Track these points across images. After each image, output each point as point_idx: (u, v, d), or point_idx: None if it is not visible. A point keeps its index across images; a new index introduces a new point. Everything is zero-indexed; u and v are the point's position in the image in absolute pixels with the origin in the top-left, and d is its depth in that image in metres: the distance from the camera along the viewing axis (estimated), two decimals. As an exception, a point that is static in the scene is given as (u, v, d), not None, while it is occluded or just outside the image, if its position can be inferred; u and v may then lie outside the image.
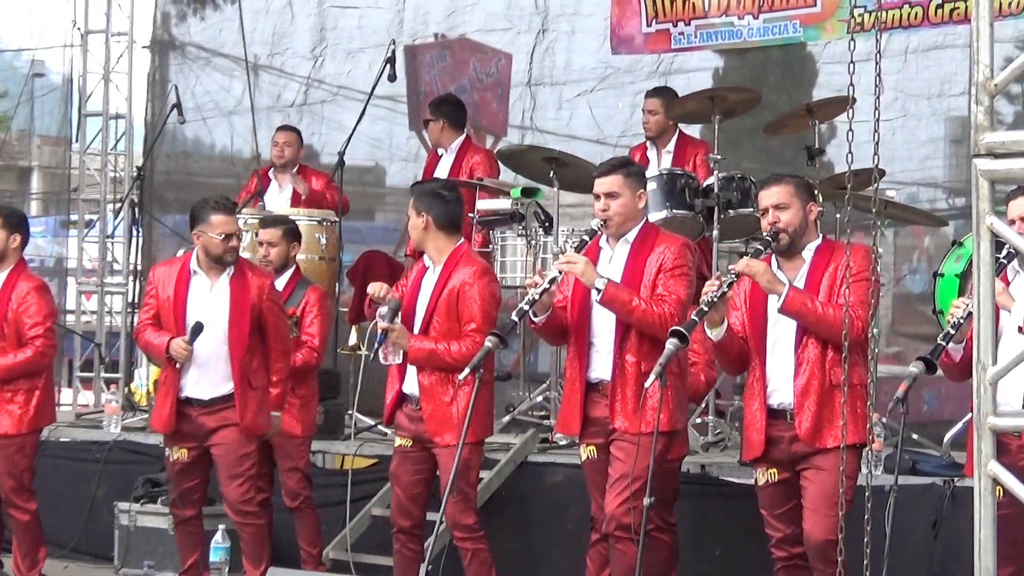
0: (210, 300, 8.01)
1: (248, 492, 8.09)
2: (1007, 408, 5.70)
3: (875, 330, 7.26)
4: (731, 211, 9.35)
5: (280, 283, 8.77)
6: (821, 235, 6.93)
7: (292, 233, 9.11)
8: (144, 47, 13.89)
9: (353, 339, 10.69)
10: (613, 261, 7.14)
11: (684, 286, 7.04)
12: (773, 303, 6.65)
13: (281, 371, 8.11)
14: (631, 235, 7.14)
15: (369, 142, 12.82)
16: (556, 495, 8.80)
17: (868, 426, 6.66)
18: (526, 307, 6.98)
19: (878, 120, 5.45)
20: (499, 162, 10.61)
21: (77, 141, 13.84)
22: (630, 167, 7.29)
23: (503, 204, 9.57)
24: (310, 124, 12.85)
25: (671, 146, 10.33)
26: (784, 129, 10.07)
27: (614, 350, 7.04)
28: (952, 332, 6.27)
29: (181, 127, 13.13)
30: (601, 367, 7.10)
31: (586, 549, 7.47)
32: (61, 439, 10.79)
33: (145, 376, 13.66)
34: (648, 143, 10.45)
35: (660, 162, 10.21)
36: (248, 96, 13.15)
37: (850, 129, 5.68)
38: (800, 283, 6.70)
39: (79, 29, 13.61)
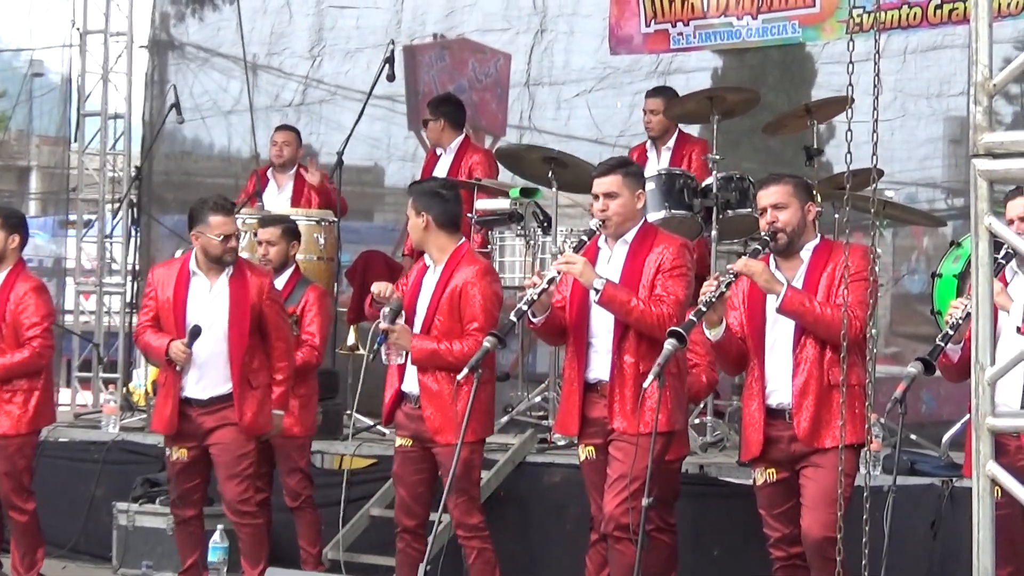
0: (209, 300, 8.01)
1: (246, 492, 8.09)
2: (1005, 409, 5.70)
3: (873, 330, 7.28)
4: (729, 211, 9.35)
5: (280, 282, 8.77)
6: (819, 235, 6.92)
7: (291, 232, 9.11)
8: (142, 47, 13.89)
9: (351, 339, 10.70)
10: (612, 261, 7.14)
11: (683, 286, 7.04)
12: (771, 303, 6.65)
13: (284, 370, 8.11)
14: (630, 235, 7.14)
15: (367, 142, 12.82)
16: (555, 495, 8.80)
17: (867, 426, 6.66)
18: (524, 307, 6.98)
19: (877, 120, 5.45)
20: (498, 162, 10.60)
21: (76, 141, 13.84)
22: (629, 167, 7.28)
23: (502, 204, 9.57)
24: (308, 124, 12.85)
25: (670, 144, 10.33)
26: (783, 129, 10.07)
27: (612, 350, 7.04)
28: (950, 333, 6.27)
29: (180, 127, 13.12)
30: (600, 367, 7.10)
31: (585, 549, 7.47)
32: (60, 439, 10.79)
33: (143, 376, 13.68)
34: (648, 143, 10.45)
35: (660, 161, 10.21)
36: (246, 96, 13.15)
37: (849, 129, 5.68)
38: (798, 283, 6.70)
39: (78, 29, 13.61)
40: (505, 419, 9.50)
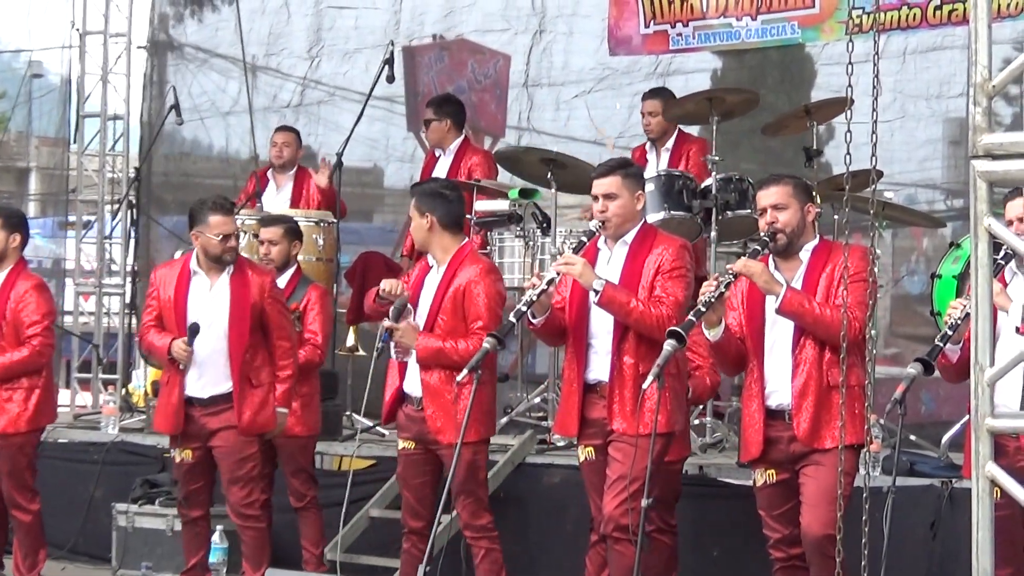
0: (210, 299, 8.03)
1: (250, 495, 8.11)
2: (1004, 410, 5.69)
3: (873, 331, 7.27)
4: (729, 212, 9.35)
5: (281, 282, 8.78)
6: (818, 236, 6.92)
7: (293, 232, 9.12)
8: (140, 47, 13.88)
9: (351, 340, 10.70)
10: (611, 262, 7.14)
11: (682, 288, 7.04)
12: (771, 304, 6.65)
13: (288, 368, 8.11)
14: (629, 236, 7.14)
15: (366, 143, 12.81)
16: (554, 496, 8.80)
17: (866, 427, 6.66)
18: (524, 308, 6.98)
19: (876, 121, 5.45)
20: (497, 163, 10.60)
21: (75, 142, 13.84)
22: (628, 168, 7.28)
23: (501, 205, 9.56)
24: (307, 125, 12.85)
25: (669, 145, 10.33)
26: (782, 130, 10.08)
27: (612, 351, 7.04)
28: (949, 333, 6.27)
29: (179, 128, 13.12)
30: (599, 368, 7.10)
31: (585, 550, 7.47)
32: (59, 440, 10.79)
33: (143, 377, 13.67)
34: (648, 144, 10.45)
35: (659, 163, 10.21)
36: (244, 96, 13.14)
37: (848, 130, 5.68)
38: (797, 284, 6.70)
39: (77, 30, 13.60)
40: (505, 420, 9.50)
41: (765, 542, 6.82)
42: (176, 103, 12.37)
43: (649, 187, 8.69)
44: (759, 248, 6.74)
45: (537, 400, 9.89)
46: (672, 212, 9.24)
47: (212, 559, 7.93)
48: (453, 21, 13.09)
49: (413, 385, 7.58)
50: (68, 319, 13.91)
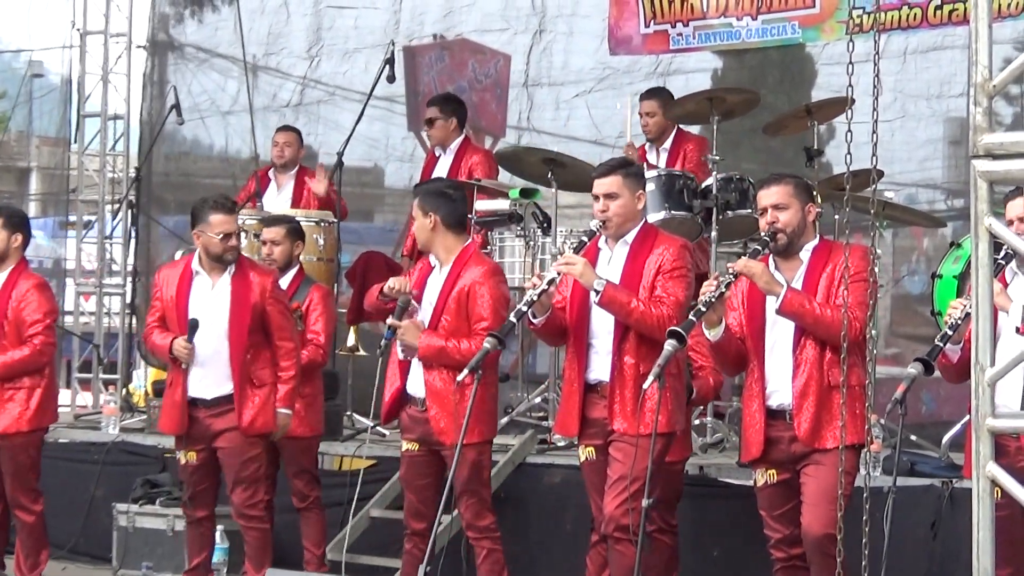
0: (211, 299, 8.04)
1: (254, 496, 8.13)
2: (1005, 409, 5.70)
3: (873, 331, 7.27)
4: (729, 212, 9.35)
5: (284, 282, 8.79)
6: (819, 236, 6.92)
7: (296, 232, 9.12)
8: (139, 47, 13.88)
9: (351, 340, 10.70)
10: (612, 262, 7.14)
11: (683, 288, 7.03)
12: (771, 304, 6.65)
13: (290, 368, 8.10)
14: (630, 236, 7.13)
15: (366, 142, 12.81)
16: (555, 496, 8.80)
17: (867, 427, 6.66)
18: (524, 308, 6.98)
19: (877, 121, 5.45)
20: (497, 163, 10.60)
21: (76, 142, 13.84)
22: (629, 168, 7.27)
23: (501, 205, 9.56)
24: (306, 124, 12.84)
25: (667, 144, 10.33)
26: (783, 130, 10.08)
27: (613, 351, 7.04)
28: (950, 333, 6.27)
29: (179, 128, 13.12)
30: (600, 368, 7.09)
31: (585, 550, 7.47)
32: (59, 440, 10.79)
33: (143, 377, 13.68)
34: (648, 144, 10.45)
35: (659, 162, 10.22)
36: (243, 96, 13.14)
37: (849, 130, 5.68)
38: (798, 284, 6.69)
39: (78, 30, 13.61)
40: (505, 420, 9.49)
41: (766, 542, 6.82)
42: (177, 103, 12.38)
43: (650, 187, 8.68)
44: (759, 248, 6.74)
45: (538, 400, 9.88)
46: (673, 212, 9.24)
47: (214, 559, 7.94)
48: (453, 21, 13.10)
49: (416, 386, 7.57)
50: (69, 319, 13.90)
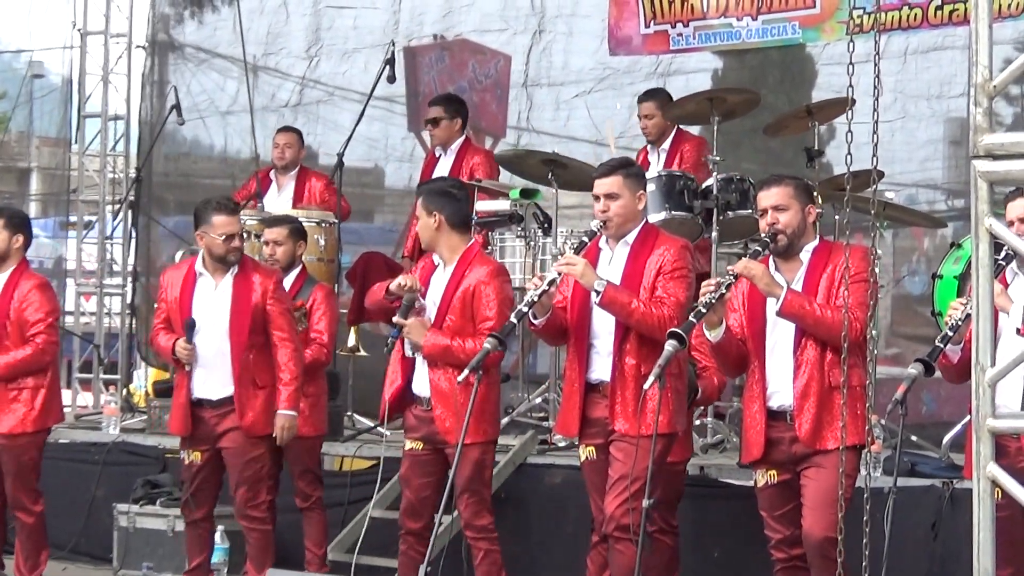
0: (213, 300, 8.05)
1: (256, 496, 8.14)
2: (1006, 410, 5.70)
3: (874, 332, 7.27)
4: (730, 213, 9.35)
5: (287, 282, 8.79)
6: (819, 236, 6.93)
7: (298, 232, 9.13)
8: (138, 47, 13.88)
9: (352, 341, 10.71)
10: (613, 263, 7.14)
11: (683, 288, 7.03)
12: (772, 305, 6.65)
13: (292, 369, 8.08)
14: (631, 237, 7.13)
15: (365, 143, 12.79)
16: (555, 496, 8.80)
17: (867, 427, 6.66)
18: (525, 309, 6.98)
19: (877, 121, 5.45)
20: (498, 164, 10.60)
21: (76, 142, 13.84)
22: (630, 168, 7.28)
23: (502, 205, 9.56)
24: (305, 124, 12.81)
25: (667, 145, 10.33)
26: (784, 130, 10.08)
27: (614, 352, 7.04)
28: (950, 334, 6.28)
29: (179, 128, 13.12)
30: (601, 368, 7.09)
31: (586, 550, 7.47)
32: (60, 440, 10.78)
33: (144, 377, 13.68)
34: (648, 145, 10.44)
35: (659, 163, 10.21)
36: (242, 96, 13.13)
37: (849, 130, 5.68)
38: (798, 285, 6.69)
39: (78, 30, 13.60)
40: (506, 420, 9.49)
41: (766, 543, 6.82)
42: (177, 103, 12.38)
43: (650, 187, 8.69)
44: (760, 249, 6.74)
45: (538, 400, 9.89)
46: (673, 212, 9.24)
47: (213, 559, 7.94)
48: (452, 21, 13.09)
49: (421, 386, 7.57)
50: (69, 319, 13.90)
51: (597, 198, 7.14)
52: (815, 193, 7.22)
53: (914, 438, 8.86)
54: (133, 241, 13.03)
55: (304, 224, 9.58)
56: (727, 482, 8.52)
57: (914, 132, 11.25)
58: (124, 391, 12.19)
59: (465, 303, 7.49)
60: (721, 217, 9.32)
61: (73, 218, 13.98)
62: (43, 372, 8.74)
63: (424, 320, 7.50)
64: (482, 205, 9.64)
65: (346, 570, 8.66)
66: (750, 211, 9.13)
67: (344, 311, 10.51)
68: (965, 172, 10.32)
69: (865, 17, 10.48)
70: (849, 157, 5.69)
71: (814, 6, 11.00)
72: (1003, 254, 6.28)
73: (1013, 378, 5.81)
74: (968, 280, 5.65)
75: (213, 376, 8.02)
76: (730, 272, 6.66)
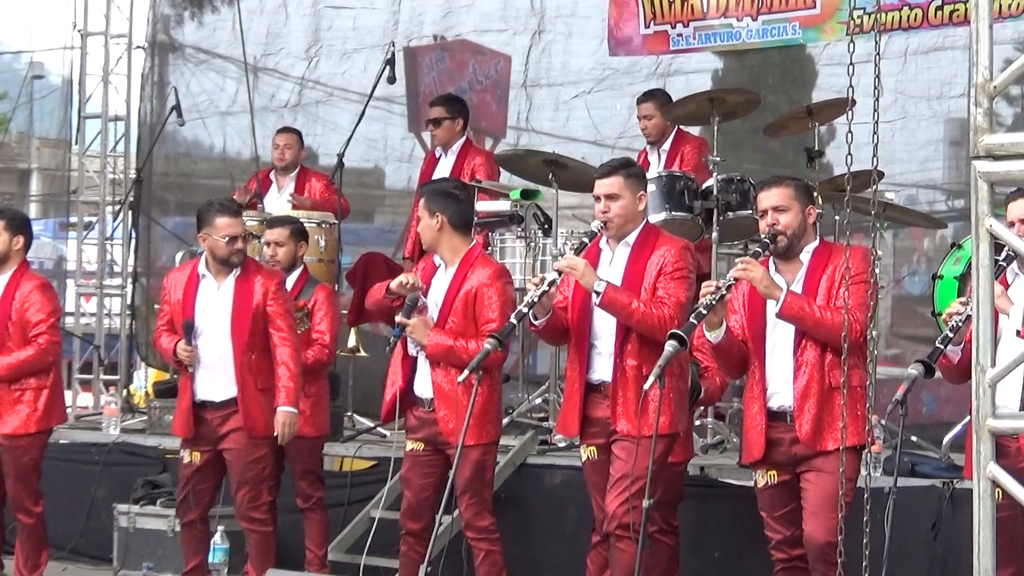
0: (215, 302, 8.05)
1: (257, 498, 8.13)
2: (1006, 410, 5.70)
3: (874, 332, 7.27)
4: (730, 213, 9.35)
5: (289, 282, 8.80)
6: (819, 237, 6.93)
7: (299, 233, 9.13)
8: (138, 47, 13.88)
9: (352, 341, 10.71)
10: (613, 263, 7.13)
11: (684, 289, 7.03)
12: (772, 307, 6.65)
13: (291, 368, 8.04)
14: (631, 237, 7.13)
15: (364, 143, 12.78)
16: (555, 497, 8.80)
17: (868, 428, 6.66)
18: (525, 309, 6.98)
19: (877, 122, 5.46)
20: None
21: (76, 143, 13.84)
22: (631, 168, 7.27)
23: (502, 206, 9.56)
24: (304, 124, 12.81)
25: (667, 145, 10.33)
26: (784, 131, 10.08)
27: (615, 352, 7.03)
28: (950, 335, 6.27)
29: (179, 128, 13.12)
30: (602, 369, 7.09)
31: (586, 551, 7.47)
32: (60, 441, 10.77)
33: (144, 378, 13.68)
34: (649, 146, 10.43)
35: (659, 164, 10.21)
36: (241, 96, 13.13)
37: (849, 131, 5.69)
38: (798, 286, 6.69)
39: (79, 31, 13.60)
40: (506, 421, 9.49)
41: (766, 543, 6.82)
42: (177, 104, 12.38)
43: (650, 188, 8.68)
44: (760, 250, 6.74)
45: (538, 401, 9.88)
46: (673, 213, 9.25)
47: (214, 559, 7.93)
48: (451, 21, 13.09)
49: (424, 387, 7.57)
50: (69, 320, 13.90)
51: (598, 199, 7.14)
52: (815, 194, 7.21)
53: (914, 438, 8.86)
54: (133, 242, 13.02)
55: (304, 224, 9.58)
56: (727, 482, 8.52)
57: (914, 132, 11.25)
58: (124, 392, 12.19)
59: (467, 305, 7.48)
60: (721, 218, 9.32)
61: (73, 219, 13.98)
62: (46, 373, 8.75)
63: (427, 319, 7.50)
64: (482, 206, 9.63)
65: (346, 570, 8.66)
66: (750, 212, 9.13)
67: (344, 312, 10.52)
68: (965, 173, 10.34)
69: (865, 17, 10.47)
70: (849, 157, 5.70)
71: (814, 6, 10.99)
72: (1003, 255, 6.28)
73: (1013, 379, 5.82)
74: (968, 281, 5.65)
75: (216, 378, 8.02)
76: (730, 275, 6.66)
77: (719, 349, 6.76)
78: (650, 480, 6.53)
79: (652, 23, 11.71)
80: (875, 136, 5.48)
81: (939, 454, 8.29)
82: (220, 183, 13.68)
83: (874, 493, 5.76)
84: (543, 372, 10.97)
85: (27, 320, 8.63)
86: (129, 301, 13.02)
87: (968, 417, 5.64)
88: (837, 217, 9.15)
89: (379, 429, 10.05)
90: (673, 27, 11.61)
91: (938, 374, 6.43)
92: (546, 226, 9.37)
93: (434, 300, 7.56)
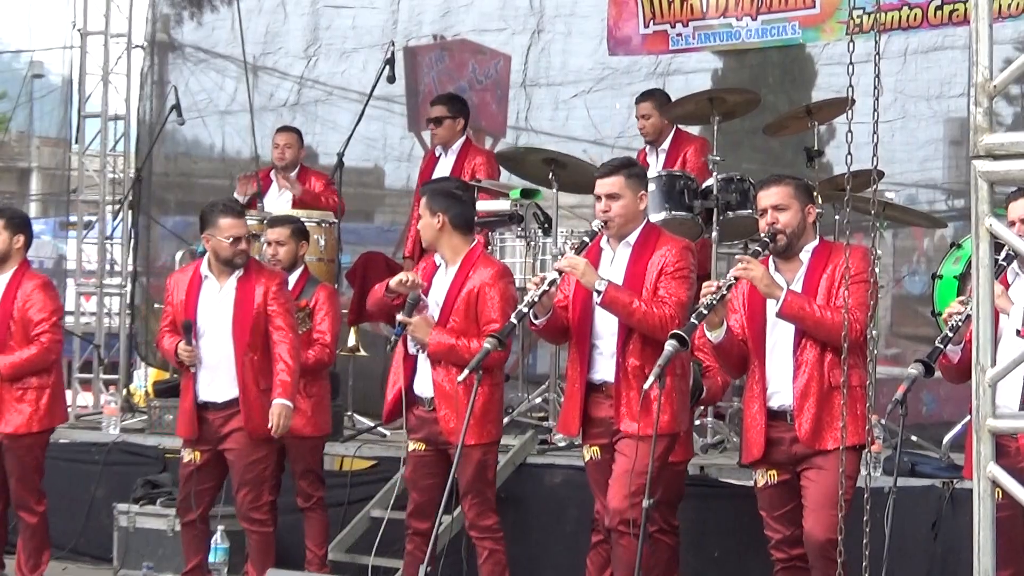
0: (217, 302, 8.06)
1: (259, 498, 8.14)
2: (1006, 410, 5.70)
3: (874, 332, 7.27)
4: (730, 213, 9.35)
5: (290, 282, 8.78)
6: (819, 237, 6.93)
7: (300, 232, 9.13)
8: (137, 46, 13.87)
9: (352, 341, 10.70)
10: (615, 263, 7.13)
11: (685, 289, 7.03)
12: (772, 307, 6.65)
13: (289, 363, 8.00)
14: (632, 237, 7.13)
15: (363, 142, 12.77)
16: (555, 497, 8.80)
17: (867, 427, 6.66)
18: (525, 309, 6.98)
19: (877, 122, 5.46)
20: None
21: (76, 142, 13.83)
22: (632, 168, 7.27)
23: (502, 205, 9.56)
24: (303, 124, 12.78)
25: (666, 145, 10.32)
26: (783, 130, 10.08)
27: (617, 352, 7.03)
28: (950, 335, 6.28)
29: (179, 128, 13.12)
30: (604, 369, 7.09)
31: (586, 550, 7.47)
32: (60, 440, 10.77)
33: (144, 378, 13.67)
34: (648, 146, 10.43)
35: (658, 163, 10.21)
36: (240, 95, 13.12)
37: (849, 130, 5.69)
38: (798, 285, 6.70)
39: (78, 30, 13.59)
40: (506, 420, 9.49)
41: (766, 543, 6.82)
42: (177, 103, 12.38)
43: (650, 187, 8.68)
44: (759, 249, 6.74)
45: (538, 400, 9.88)
46: (673, 212, 9.24)
47: (214, 559, 7.93)
48: (450, 21, 13.08)
49: (424, 386, 7.56)
50: (69, 320, 13.88)
51: (599, 198, 7.13)
52: (815, 193, 7.21)
53: (914, 438, 8.86)
54: (133, 241, 13.02)
55: (305, 224, 9.58)
56: (727, 482, 8.52)
57: (914, 132, 11.24)
58: (124, 391, 12.18)
59: (469, 304, 7.48)
60: (721, 217, 9.32)
61: (73, 218, 13.97)
62: (47, 372, 8.76)
63: (429, 318, 7.49)
64: (482, 205, 9.62)
65: (346, 570, 8.67)
66: (750, 211, 9.13)
67: (344, 311, 10.51)
68: (965, 172, 10.33)
69: (865, 17, 10.47)
70: (849, 157, 5.69)
71: (814, 6, 10.99)
72: (1003, 255, 6.28)
73: (1013, 378, 5.83)
74: (968, 280, 5.66)
75: (218, 378, 8.02)
76: (730, 275, 6.66)
77: (719, 349, 6.76)
78: (652, 479, 6.53)
79: (651, 23, 11.71)
80: (875, 136, 5.48)
81: (939, 454, 8.29)
82: (220, 182, 13.68)
83: (874, 493, 5.76)
84: (543, 372, 10.97)
85: (29, 319, 8.64)
86: (129, 301, 13.01)
87: (968, 417, 5.65)
88: (837, 217, 9.15)
89: (379, 429, 10.05)
90: (672, 27, 11.61)
91: (938, 374, 6.43)
92: (546, 225, 9.37)
93: (435, 300, 7.55)
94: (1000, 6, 10.03)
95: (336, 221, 10.42)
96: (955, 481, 7.61)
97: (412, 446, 7.64)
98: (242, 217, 8.18)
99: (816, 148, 9.51)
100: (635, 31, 11.82)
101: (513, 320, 7.06)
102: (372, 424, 10.14)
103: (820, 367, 6.61)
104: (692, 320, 6.57)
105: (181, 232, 13.50)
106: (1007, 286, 6.42)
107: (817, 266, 6.72)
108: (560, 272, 7.02)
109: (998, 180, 4.26)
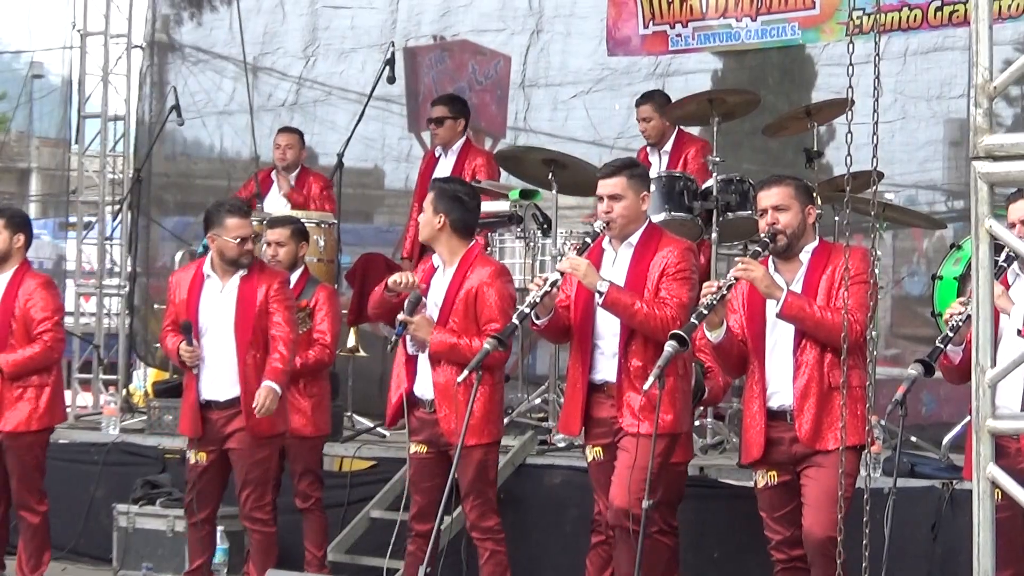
0: (219, 302, 8.06)
1: (262, 498, 8.13)
2: (1006, 411, 5.70)
3: (874, 332, 7.27)
4: (730, 214, 9.35)
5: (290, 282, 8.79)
6: (818, 237, 6.93)
7: (300, 233, 9.14)
8: (136, 46, 13.87)
9: (351, 341, 10.71)
10: (616, 264, 7.13)
11: (686, 289, 7.03)
12: (772, 307, 6.65)
13: (283, 352, 7.98)
14: (634, 238, 7.13)
15: (362, 142, 12.75)
16: (555, 497, 8.80)
17: (867, 428, 6.67)
18: (527, 310, 6.98)
19: (877, 122, 5.46)
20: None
21: (76, 143, 13.84)
22: (634, 169, 7.27)
23: (502, 206, 9.56)
24: (302, 124, 12.78)
25: (668, 146, 10.32)
26: (783, 131, 10.08)
27: (619, 353, 7.03)
28: (950, 335, 6.28)
29: (178, 128, 13.12)
30: (606, 369, 7.09)
31: (585, 551, 7.47)
32: (60, 440, 10.76)
33: (143, 378, 13.67)
34: (649, 148, 10.43)
35: (660, 165, 10.21)
36: (238, 95, 13.12)
37: (849, 131, 5.69)
38: (798, 285, 6.70)
39: (78, 31, 13.59)
40: (506, 420, 9.49)
41: (766, 543, 6.82)
42: (177, 103, 12.38)
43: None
44: (759, 249, 6.74)
45: (538, 401, 9.88)
46: (673, 213, 9.25)
47: (214, 559, 7.94)
48: (449, 21, 13.08)
49: (424, 388, 7.55)
50: (69, 320, 13.87)
51: (601, 199, 7.13)
52: (815, 194, 7.21)
53: (914, 439, 8.86)
54: (132, 242, 13.02)
55: (305, 224, 9.59)
56: (727, 483, 8.51)
57: (914, 133, 11.24)
58: (124, 391, 12.18)
59: (468, 305, 7.47)
60: (721, 218, 9.32)
61: (73, 219, 13.98)
62: (48, 371, 8.77)
63: (429, 317, 7.49)
64: (482, 206, 9.62)
65: (345, 570, 8.66)
66: (750, 212, 9.13)
67: (344, 312, 10.52)
68: (965, 173, 10.33)
69: (865, 18, 10.47)
70: (849, 158, 5.69)
71: (814, 7, 11.00)
72: (1003, 255, 6.28)
73: (1013, 379, 5.82)
74: (968, 281, 5.66)
75: (220, 377, 8.02)
76: (730, 275, 6.66)
77: (719, 349, 6.76)
78: (653, 479, 6.54)
79: (651, 23, 11.71)
80: (875, 136, 5.48)
81: (939, 454, 8.29)
82: (219, 183, 13.69)
83: (874, 494, 5.76)
84: (543, 372, 10.97)
85: (31, 318, 8.65)
86: (128, 301, 13.01)
87: (968, 417, 5.64)
88: (837, 217, 9.15)
89: (378, 429, 10.05)
90: (672, 27, 11.62)
91: (938, 374, 6.43)
92: (545, 226, 9.37)
93: (434, 301, 7.55)
94: (1000, 7, 10.03)
95: (336, 222, 10.42)
96: (955, 482, 7.61)
97: (413, 448, 7.63)
98: (248, 217, 8.19)
99: (816, 149, 9.51)
100: (634, 32, 11.82)
101: (515, 321, 7.05)
102: (371, 425, 10.14)
103: (820, 367, 6.61)
104: (692, 320, 6.58)
105: (181, 232, 13.50)
106: (1007, 287, 6.42)
107: (817, 267, 6.72)
108: (562, 273, 7.02)
109: (998, 181, 4.26)
